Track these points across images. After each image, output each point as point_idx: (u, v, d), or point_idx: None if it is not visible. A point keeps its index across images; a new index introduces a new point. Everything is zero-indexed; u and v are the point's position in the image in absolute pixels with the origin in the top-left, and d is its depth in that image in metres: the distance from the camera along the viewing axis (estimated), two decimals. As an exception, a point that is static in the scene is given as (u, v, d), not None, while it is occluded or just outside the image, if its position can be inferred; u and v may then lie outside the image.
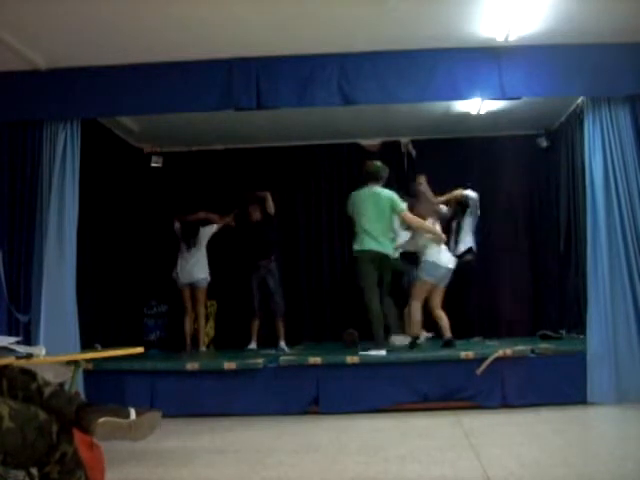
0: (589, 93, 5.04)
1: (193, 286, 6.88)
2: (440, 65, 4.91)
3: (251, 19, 4.39)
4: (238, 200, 7.13)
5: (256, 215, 6.91)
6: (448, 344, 5.44)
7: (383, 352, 5.04)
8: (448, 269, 5.61)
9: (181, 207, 7.44)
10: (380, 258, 5.43)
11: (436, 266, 5.55)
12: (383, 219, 5.47)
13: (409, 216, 5.56)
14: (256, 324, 6.80)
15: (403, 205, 5.55)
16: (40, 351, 2.81)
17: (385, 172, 5.64)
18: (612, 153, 4.90)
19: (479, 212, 6.50)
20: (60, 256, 4.83)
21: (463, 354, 4.84)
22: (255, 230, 6.86)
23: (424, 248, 5.63)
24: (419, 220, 5.56)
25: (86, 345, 5.05)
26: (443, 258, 5.60)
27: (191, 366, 4.91)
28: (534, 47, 4.83)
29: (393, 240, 5.64)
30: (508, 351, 4.77)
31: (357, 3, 4.28)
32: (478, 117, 6.54)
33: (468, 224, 6.44)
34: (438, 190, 6.89)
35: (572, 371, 4.74)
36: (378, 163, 5.73)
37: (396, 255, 6.72)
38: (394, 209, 5.50)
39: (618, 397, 4.60)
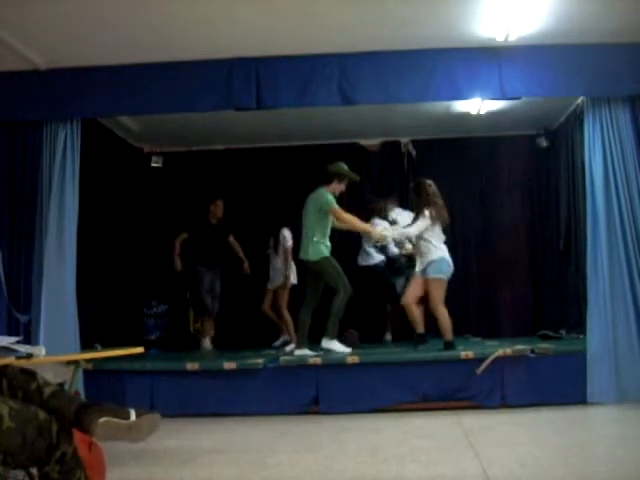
0: (589, 93, 5.03)
1: None
2: (440, 65, 4.90)
3: (251, 19, 4.39)
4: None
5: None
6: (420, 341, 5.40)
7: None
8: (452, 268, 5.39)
9: (180, 207, 7.47)
10: (308, 264, 5.44)
11: (446, 262, 5.28)
12: (307, 222, 5.45)
13: (338, 211, 5.36)
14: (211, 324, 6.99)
15: (328, 203, 5.33)
16: (40, 351, 2.81)
17: (339, 173, 5.50)
18: (612, 153, 4.89)
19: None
20: (60, 256, 4.83)
21: (463, 354, 4.83)
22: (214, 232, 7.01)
23: (424, 247, 5.34)
24: (349, 217, 5.36)
25: (86, 345, 5.05)
26: (447, 255, 5.34)
27: (191, 366, 4.91)
28: (534, 47, 4.83)
29: (318, 242, 5.36)
30: (508, 351, 4.77)
31: (357, 3, 4.28)
32: (478, 117, 6.54)
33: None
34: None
35: (572, 371, 4.73)
36: (339, 164, 5.60)
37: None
38: (321, 207, 5.36)
39: (618, 397, 4.59)
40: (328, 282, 5.40)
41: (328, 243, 5.47)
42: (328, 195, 5.41)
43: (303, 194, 7.54)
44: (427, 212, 5.32)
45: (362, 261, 6.83)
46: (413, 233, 5.39)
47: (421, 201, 5.43)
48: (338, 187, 5.55)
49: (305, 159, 7.68)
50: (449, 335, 5.24)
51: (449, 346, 5.17)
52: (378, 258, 6.78)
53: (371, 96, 5.01)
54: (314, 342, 5.44)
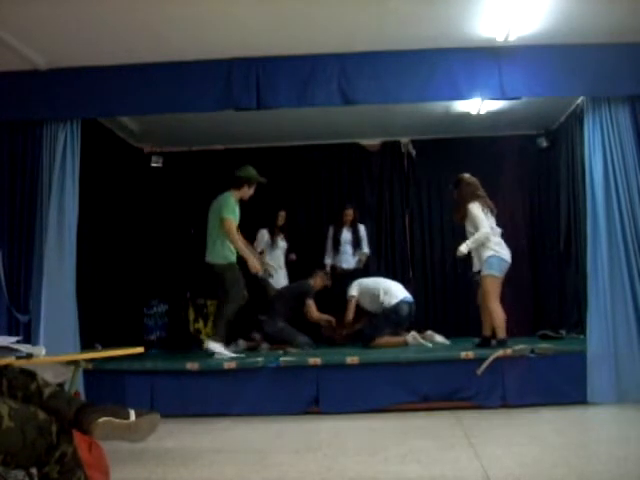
0: (589, 93, 5.04)
1: None
2: (440, 65, 4.90)
3: (251, 19, 4.39)
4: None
5: None
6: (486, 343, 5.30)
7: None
8: (509, 263, 5.36)
9: (181, 207, 7.46)
10: (211, 267, 5.40)
11: (497, 258, 5.25)
12: (212, 225, 5.41)
13: (230, 226, 5.28)
14: None
15: (227, 213, 5.28)
16: (40, 351, 2.81)
17: (250, 177, 5.47)
18: (612, 153, 4.90)
19: None
20: (60, 256, 4.83)
21: (463, 354, 4.84)
22: None
23: (476, 249, 5.30)
24: (237, 238, 5.32)
25: (86, 345, 5.05)
26: (504, 251, 5.32)
27: (191, 366, 4.91)
28: (534, 47, 4.83)
29: (223, 246, 5.34)
30: (508, 351, 4.78)
31: (357, 3, 4.28)
32: (478, 117, 6.54)
33: None
34: (437, 190, 6.90)
35: (572, 371, 4.73)
36: (248, 167, 5.56)
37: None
38: (220, 215, 5.32)
39: (618, 397, 4.59)
40: (224, 287, 5.34)
41: (233, 249, 5.39)
42: (231, 201, 5.35)
43: (303, 194, 7.55)
44: (472, 206, 5.28)
45: None
46: (484, 234, 5.24)
47: (463, 195, 5.41)
48: (248, 192, 5.53)
49: (305, 159, 7.68)
50: (502, 333, 5.14)
51: (502, 343, 5.03)
52: None
53: (371, 96, 5.01)
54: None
